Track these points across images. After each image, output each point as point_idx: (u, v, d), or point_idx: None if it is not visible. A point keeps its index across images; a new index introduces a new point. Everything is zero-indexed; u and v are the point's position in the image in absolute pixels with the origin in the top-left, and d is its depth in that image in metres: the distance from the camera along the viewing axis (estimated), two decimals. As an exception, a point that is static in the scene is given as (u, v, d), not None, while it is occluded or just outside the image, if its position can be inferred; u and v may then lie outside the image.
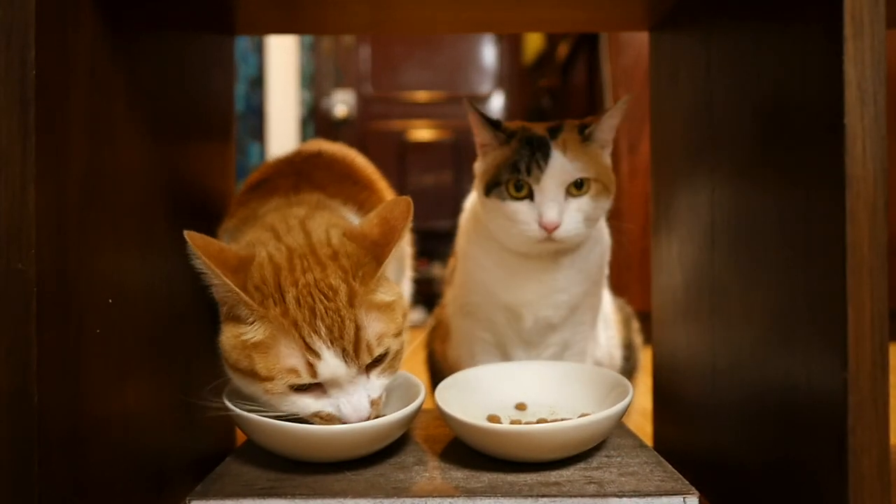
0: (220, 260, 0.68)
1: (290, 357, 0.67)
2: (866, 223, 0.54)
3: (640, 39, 2.14)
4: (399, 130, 3.95)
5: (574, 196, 0.86)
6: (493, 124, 0.91)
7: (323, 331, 0.67)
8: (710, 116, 0.81)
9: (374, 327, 0.70)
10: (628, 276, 2.08)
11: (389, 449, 0.76)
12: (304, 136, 3.58)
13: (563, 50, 2.89)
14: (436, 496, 0.64)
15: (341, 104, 3.85)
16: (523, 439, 0.69)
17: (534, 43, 3.57)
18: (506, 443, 0.70)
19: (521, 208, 0.87)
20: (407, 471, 0.71)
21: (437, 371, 1.15)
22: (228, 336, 0.71)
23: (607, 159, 0.91)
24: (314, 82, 3.77)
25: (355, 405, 0.69)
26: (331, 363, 0.67)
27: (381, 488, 0.66)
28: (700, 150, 0.85)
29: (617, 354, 1.10)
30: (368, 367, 0.71)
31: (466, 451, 0.75)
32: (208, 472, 0.72)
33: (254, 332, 0.68)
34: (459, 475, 0.70)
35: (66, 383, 0.57)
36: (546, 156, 0.86)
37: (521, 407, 0.86)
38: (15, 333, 0.52)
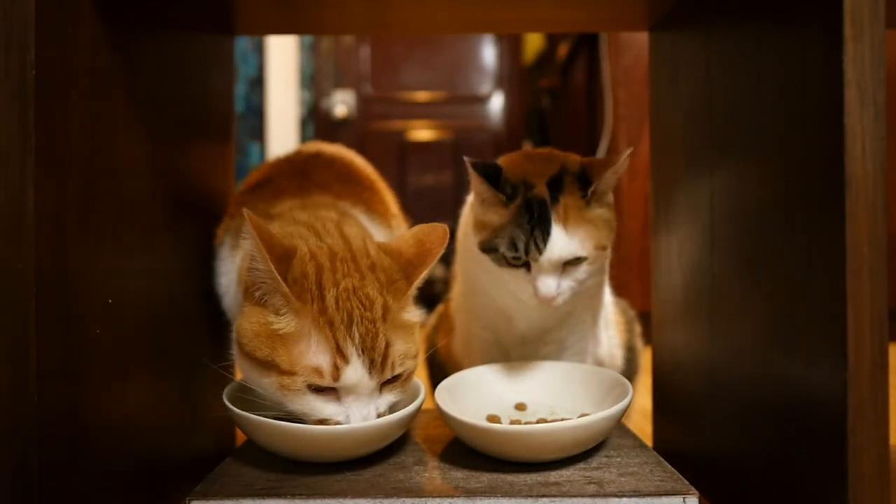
0: (269, 245, 0.68)
1: (317, 355, 0.67)
2: (866, 223, 0.54)
3: (640, 39, 2.14)
4: (399, 130, 3.95)
5: (572, 266, 0.84)
6: (494, 177, 0.86)
7: (357, 338, 0.68)
8: (709, 117, 0.81)
9: (399, 346, 0.71)
10: (628, 276, 2.08)
11: (389, 449, 0.76)
12: (304, 136, 3.58)
13: (563, 50, 2.89)
14: (435, 496, 0.64)
15: (341, 104, 3.85)
16: (523, 439, 0.69)
17: (534, 43, 3.56)
18: (506, 443, 0.71)
19: (518, 276, 0.85)
20: (407, 471, 0.71)
21: (439, 366, 1.15)
22: (252, 322, 0.70)
23: (609, 211, 0.87)
24: (314, 82, 3.76)
25: (365, 416, 0.70)
26: (357, 371, 0.68)
27: (381, 488, 0.66)
28: (700, 151, 0.85)
29: (618, 354, 1.10)
30: (384, 384, 0.71)
31: (466, 451, 0.75)
32: (208, 472, 0.72)
33: (284, 323, 0.68)
34: (459, 475, 0.70)
35: (66, 383, 0.57)
36: (545, 232, 0.82)
37: (520, 407, 0.86)
38: (15, 333, 0.52)
